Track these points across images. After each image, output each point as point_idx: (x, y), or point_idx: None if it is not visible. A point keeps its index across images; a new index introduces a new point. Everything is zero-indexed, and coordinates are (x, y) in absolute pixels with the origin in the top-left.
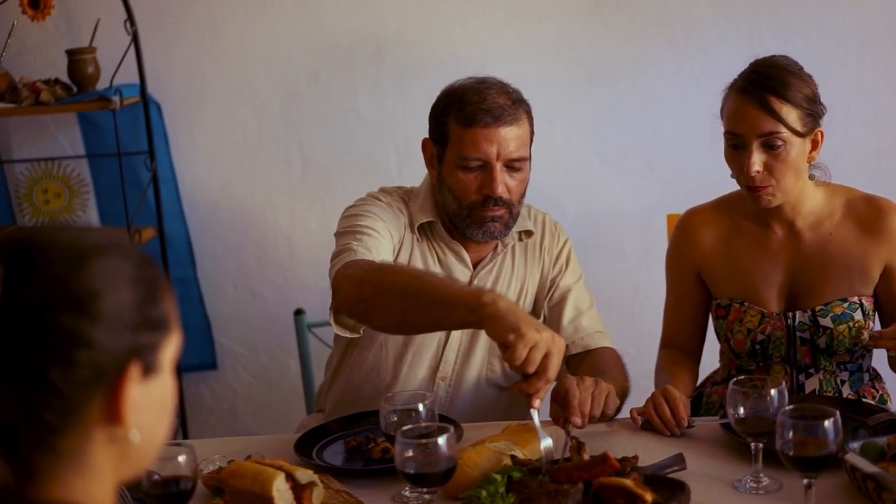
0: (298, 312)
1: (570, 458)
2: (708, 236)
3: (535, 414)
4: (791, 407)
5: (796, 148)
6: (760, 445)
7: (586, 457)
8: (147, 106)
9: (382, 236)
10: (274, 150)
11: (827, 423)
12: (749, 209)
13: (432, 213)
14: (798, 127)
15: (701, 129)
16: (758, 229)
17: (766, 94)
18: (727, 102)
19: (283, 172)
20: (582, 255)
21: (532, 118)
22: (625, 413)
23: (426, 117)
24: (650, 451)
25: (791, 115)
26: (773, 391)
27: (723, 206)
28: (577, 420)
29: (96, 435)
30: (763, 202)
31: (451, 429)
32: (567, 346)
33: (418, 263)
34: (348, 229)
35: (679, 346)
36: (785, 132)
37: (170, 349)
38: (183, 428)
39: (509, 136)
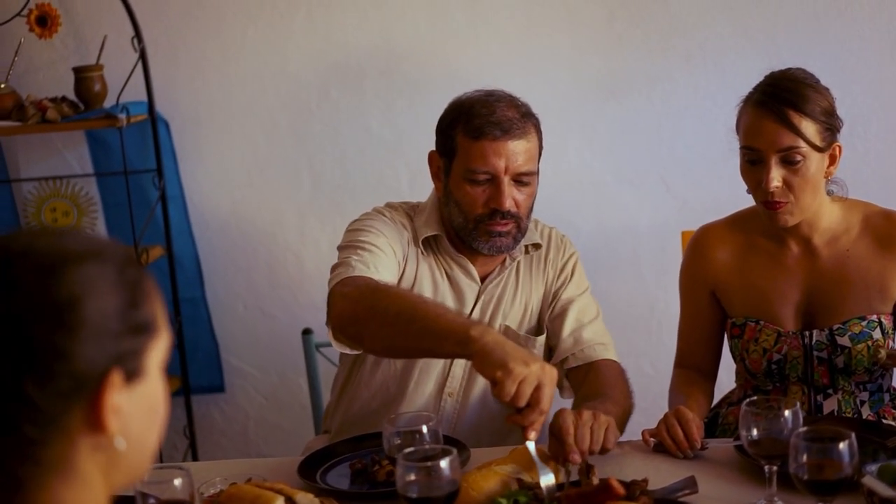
0: (306, 332)
1: (579, 481)
2: (722, 254)
3: (531, 446)
4: (805, 429)
5: (815, 163)
6: (774, 468)
7: (595, 480)
8: (155, 124)
9: (384, 252)
10: (284, 168)
11: (842, 446)
12: (764, 226)
13: (437, 227)
14: (817, 141)
15: (717, 145)
16: (773, 246)
17: (784, 108)
18: (743, 116)
19: (293, 190)
20: (597, 273)
21: (540, 132)
22: (636, 434)
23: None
24: (662, 474)
25: (810, 129)
26: (787, 412)
27: (737, 222)
28: (576, 458)
29: (80, 444)
30: (780, 220)
31: (454, 451)
32: (567, 358)
33: (425, 278)
34: (350, 244)
35: (694, 365)
36: (804, 147)
37: (157, 352)
38: (193, 450)
39: (518, 150)
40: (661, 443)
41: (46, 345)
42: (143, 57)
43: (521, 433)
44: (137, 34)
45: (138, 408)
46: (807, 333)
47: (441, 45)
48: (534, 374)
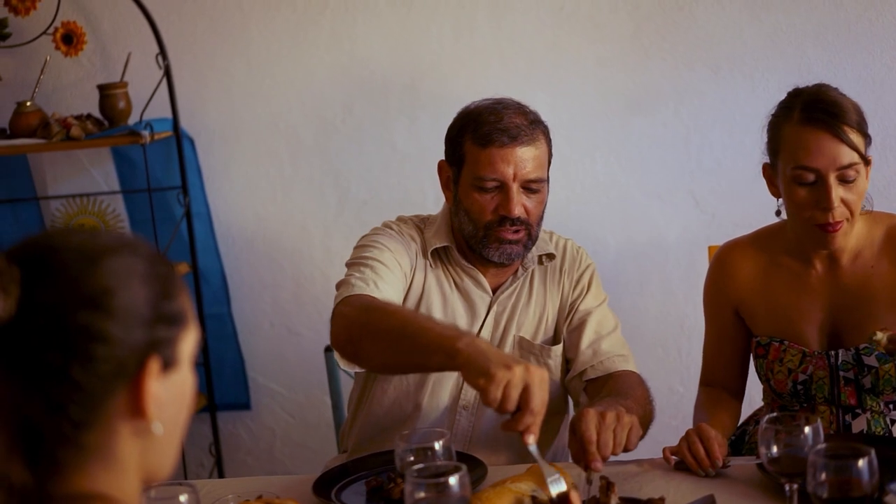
0: (329, 349)
1: (599, 498)
2: (745, 272)
3: (534, 450)
4: (823, 445)
5: (864, 178)
6: (795, 486)
7: (615, 499)
8: (180, 140)
9: (388, 267)
10: (309, 185)
11: (861, 463)
12: (789, 244)
13: (447, 238)
14: (866, 155)
15: (746, 159)
16: (797, 265)
17: (839, 125)
18: (789, 136)
19: (319, 207)
20: (626, 289)
21: (550, 140)
22: (658, 452)
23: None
24: (682, 493)
25: (860, 143)
26: (807, 429)
27: (761, 239)
28: (599, 465)
29: (121, 429)
30: (837, 243)
31: (464, 468)
32: (585, 370)
33: (433, 290)
34: (355, 261)
35: (719, 383)
36: (859, 162)
37: (188, 343)
38: (219, 467)
39: (526, 157)
40: (683, 460)
41: (87, 329)
42: (167, 74)
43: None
44: (162, 51)
45: (172, 396)
46: (832, 353)
47: (466, 60)
48: (518, 376)
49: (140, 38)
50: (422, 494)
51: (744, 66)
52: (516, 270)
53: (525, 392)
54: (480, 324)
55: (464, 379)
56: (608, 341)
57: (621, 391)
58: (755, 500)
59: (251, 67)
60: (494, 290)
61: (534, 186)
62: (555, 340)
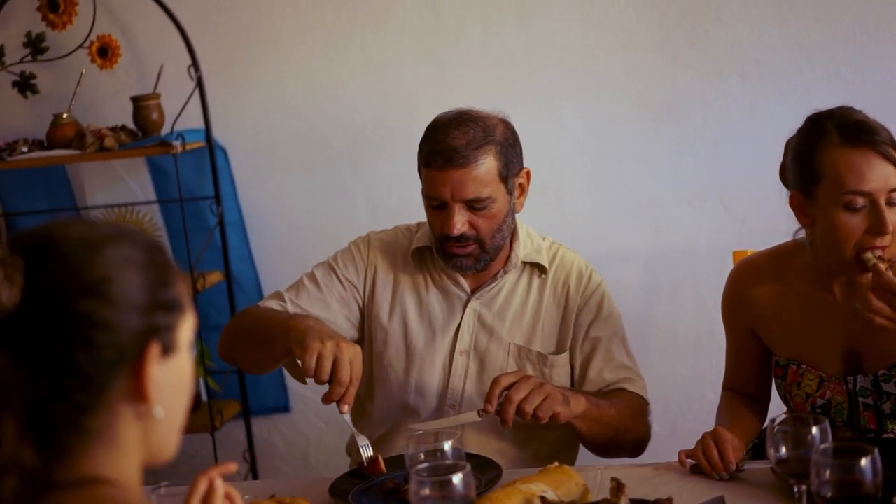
0: None
1: (609, 499)
2: (761, 296)
3: (347, 419)
4: (826, 445)
5: None
6: (804, 488)
7: (625, 499)
8: (212, 151)
9: (321, 285)
10: (341, 194)
11: (864, 462)
12: (806, 267)
13: (429, 239)
14: None
15: (776, 165)
16: (815, 291)
17: (884, 144)
18: (833, 161)
19: (350, 216)
20: (656, 296)
21: (505, 154)
22: (673, 456)
23: None
24: (696, 496)
25: None
26: (815, 429)
27: (778, 257)
28: (489, 407)
29: (123, 413)
30: (886, 277)
31: (467, 466)
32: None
33: (406, 290)
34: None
35: (742, 389)
36: None
37: (185, 330)
38: (253, 474)
39: (463, 179)
40: (698, 464)
41: (88, 316)
42: (199, 85)
43: (527, 446)
44: (194, 63)
45: (172, 380)
46: (850, 379)
47: (495, 69)
48: (329, 349)
49: (173, 50)
50: (426, 492)
51: (773, 73)
52: (496, 273)
53: (335, 364)
54: (458, 321)
55: (293, 353)
56: (617, 370)
57: (613, 397)
58: (766, 503)
59: (283, 79)
60: (474, 291)
61: (477, 205)
62: (557, 350)
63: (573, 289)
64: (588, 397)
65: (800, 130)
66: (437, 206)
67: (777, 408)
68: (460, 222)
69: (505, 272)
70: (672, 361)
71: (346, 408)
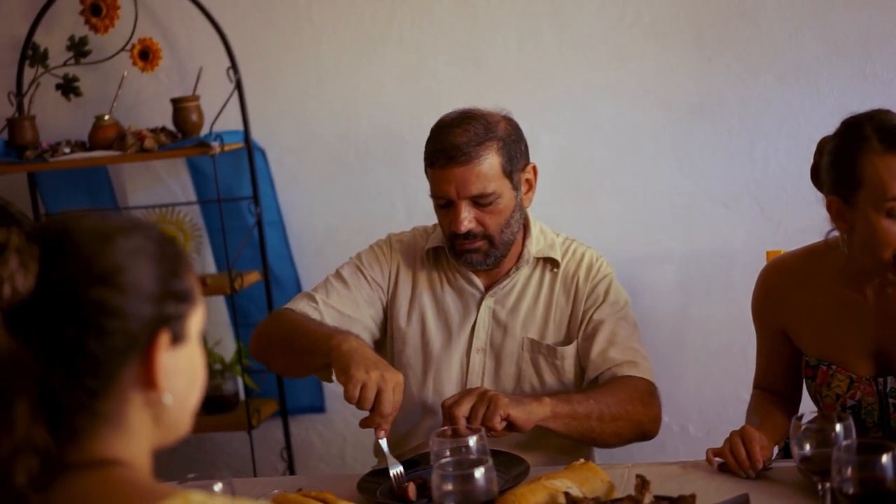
0: None
1: (634, 495)
2: (791, 296)
3: (383, 444)
4: (847, 441)
5: None
6: (828, 485)
7: (649, 496)
8: (251, 151)
9: (349, 285)
10: (378, 195)
11: (885, 458)
12: (838, 268)
13: (442, 239)
14: None
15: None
16: (846, 291)
17: None
18: (876, 167)
19: (388, 216)
20: (691, 297)
21: (508, 150)
22: (701, 454)
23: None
24: (722, 494)
25: None
26: (838, 427)
27: (807, 261)
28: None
29: (133, 398)
30: None
31: (489, 460)
32: (596, 378)
33: (424, 291)
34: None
35: (773, 388)
36: None
37: (195, 320)
38: (290, 472)
39: (466, 176)
40: (725, 462)
41: (100, 304)
42: (238, 87)
43: (547, 443)
44: (233, 65)
45: (182, 368)
46: (881, 380)
47: (530, 71)
48: (373, 379)
49: (213, 52)
50: (449, 487)
51: (808, 72)
52: (509, 270)
53: (378, 395)
54: (473, 319)
55: (334, 372)
56: (618, 349)
57: (596, 388)
58: (791, 501)
59: (321, 80)
60: (488, 289)
61: (483, 201)
62: (566, 342)
63: (582, 279)
64: (554, 397)
65: (837, 134)
66: (444, 204)
67: (808, 407)
68: (467, 219)
69: (517, 268)
70: (706, 362)
71: (382, 434)
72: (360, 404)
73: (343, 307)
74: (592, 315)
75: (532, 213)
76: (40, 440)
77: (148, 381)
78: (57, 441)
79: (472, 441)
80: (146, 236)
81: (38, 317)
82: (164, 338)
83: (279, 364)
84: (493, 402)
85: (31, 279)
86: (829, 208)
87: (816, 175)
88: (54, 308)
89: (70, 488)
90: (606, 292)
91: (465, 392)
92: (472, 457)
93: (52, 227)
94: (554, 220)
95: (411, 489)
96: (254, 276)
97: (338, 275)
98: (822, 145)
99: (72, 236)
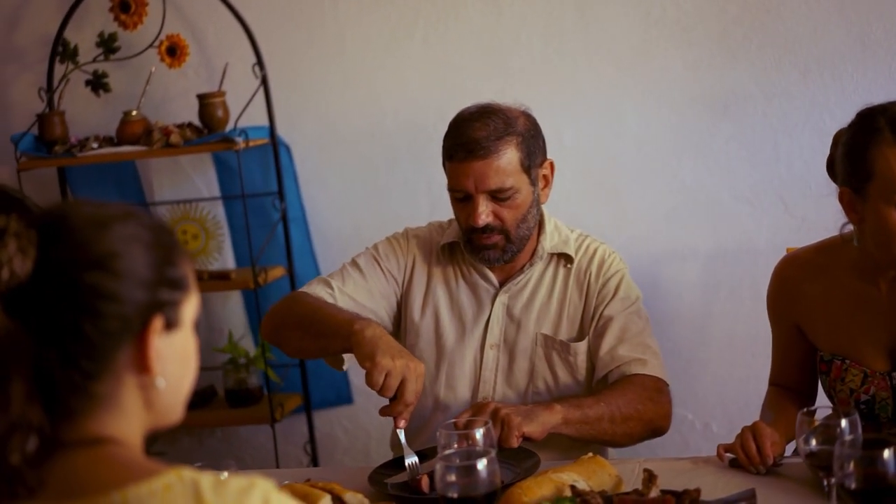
0: None
1: (641, 489)
2: (806, 290)
3: (401, 434)
4: (851, 437)
5: None
6: (833, 480)
7: (655, 490)
8: (276, 147)
9: (365, 274)
10: (403, 192)
11: (887, 454)
12: (853, 262)
13: (457, 234)
14: None
15: None
16: (861, 285)
17: None
18: (887, 159)
19: (413, 212)
20: (716, 294)
21: (527, 145)
22: (712, 450)
23: (551, 154)
24: (731, 488)
25: None
26: (843, 422)
27: (822, 255)
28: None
29: (127, 381)
30: None
31: (492, 452)
32: (606, 375)
33: (438, 285)
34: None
35: (788, 384)
36: None
37: (189, 308)
38: (314, 465)
39: (485, 170)
40: (736, 458)
41: (95, 288)
42: (264, 83)
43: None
44: (259, 61)
45: (175, 353)
46: (895, 374)
47: (556, 66)
48: (398, 368)
49: (239, 49)
50: (452, 478)
51: (833, 68)
52: (523, 266)
53: (402, 383)
54: (487, 315)
55: (356, 358)
56: (627, 346)
57: (605, 390)
58: (798, 496)
59: (345, 76)
60: (502, 284)
61: (501, 195)
62: (578, 337)
63: (594, 275)
64: (564, 402)
65: (850, 126)
66: (461, 198)
67: (823, 404)
68: (485, 213)
69: (531, 264)
70: (730, 360)
71: (402, 423)
72: (382, 391)
73: (358, 296)
74: (603, 311)
75: (556, 210)
76: (35, 419)
77: (141, 364)
78: (52, 420)
79: (479, 434)
80: (141, 224)
81: (35, 300)
82: (157, 323)
83: (293, 345)
84: (507, 422)
85: (29, 263)
86: (840, 199)
87: (832, 167)
88: (51, 291)
89: (64, 465)
90: (617, 288)
91: (476, 411)
92: (477, 448)
93: (50, 213)
94: (578, 217)
95: (424, 481)
96: (278, 272)
97: (354, 263)
98: (838, 137)
99: (69, 222)
